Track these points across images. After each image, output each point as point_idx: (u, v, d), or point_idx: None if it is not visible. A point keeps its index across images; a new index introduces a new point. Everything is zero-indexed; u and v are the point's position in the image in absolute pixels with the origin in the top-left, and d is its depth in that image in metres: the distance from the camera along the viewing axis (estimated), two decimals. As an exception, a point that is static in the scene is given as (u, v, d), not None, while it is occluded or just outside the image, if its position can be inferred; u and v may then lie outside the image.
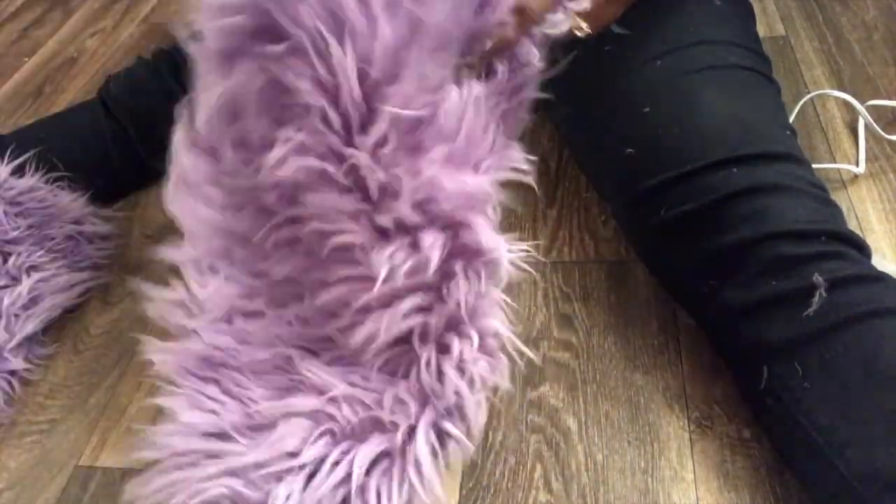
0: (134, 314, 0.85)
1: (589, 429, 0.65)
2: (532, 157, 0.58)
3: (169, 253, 0.61)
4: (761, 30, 1.01)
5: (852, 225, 0.72)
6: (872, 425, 0.49)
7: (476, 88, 0.51)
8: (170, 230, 0.94)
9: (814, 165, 0.64)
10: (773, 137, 0.62)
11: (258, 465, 0.52)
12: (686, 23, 0.69)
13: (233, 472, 0.52)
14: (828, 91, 0.89)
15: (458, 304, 0.52)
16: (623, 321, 0.73)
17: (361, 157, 0.48)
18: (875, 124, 0.83)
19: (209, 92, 0.51)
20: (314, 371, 0.56)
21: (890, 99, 0.87)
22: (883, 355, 0.50)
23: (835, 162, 0.83)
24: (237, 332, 0.58)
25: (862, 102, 0.84)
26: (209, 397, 0.57)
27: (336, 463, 0.52)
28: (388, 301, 0.52)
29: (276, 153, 0.49)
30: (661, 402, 0.66)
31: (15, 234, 0.84)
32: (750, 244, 0.57)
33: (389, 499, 0.51)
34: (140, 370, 0.78)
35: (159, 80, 0.93)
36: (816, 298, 0.53)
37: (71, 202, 0.89)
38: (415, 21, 0.46)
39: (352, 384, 0.55)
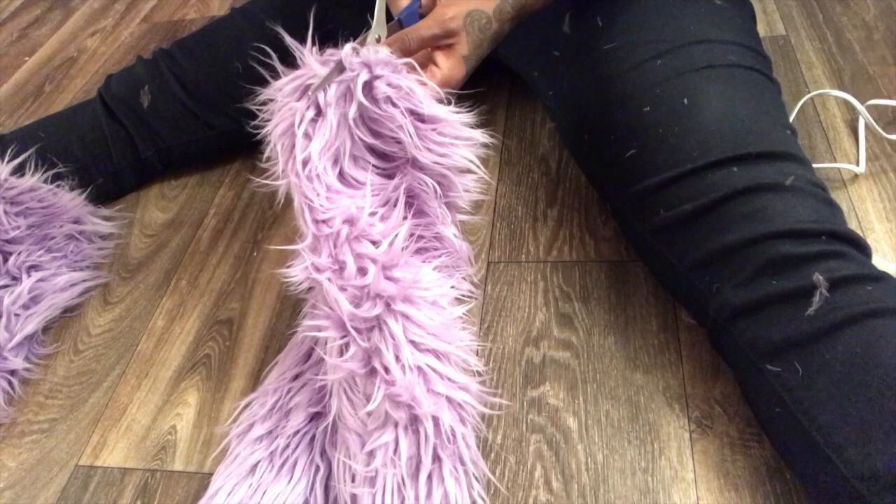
0: (134, 314, 0.85)
1: (589, 428, 0.65)
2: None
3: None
4: (761, 29, 1.02)
5: (853, 224, 0.72)
6: (872, 425, 0.49)
7: None
8: (170, 230, 0.94)
9: (814, 165, 0.64)
10: (774, 137, 0.62)
11: None
12: (686, 22, 0.69)
13: None
14: (828, 90, 0.89)
15: None
16: (623, 321, 0.73)
17: None
18: (875, 124, 0.82)
19: None
20: None
21: (890, 98, 0.87)
22: (883, 355, 0.50)
23: (835, 161, 0.83)
24: None
25: (862, 102, 0.84)
26: None
27: None
28: None
29: None
30: (662, 402, 0.66)
31: (15, 233, 0.84)
32: (750, 243, 0.57)
33: None
34: (140, 369, 0.79)
35: (159, 79, 0.93)
36: (817, 298, 0.53)
37: (71, 202, 0.90)
38: None
39: None
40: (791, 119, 0.77)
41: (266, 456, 0.64)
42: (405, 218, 0.61)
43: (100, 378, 0.79)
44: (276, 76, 0.62)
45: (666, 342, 0.70)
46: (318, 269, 0.57)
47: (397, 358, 0.55)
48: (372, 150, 0.63)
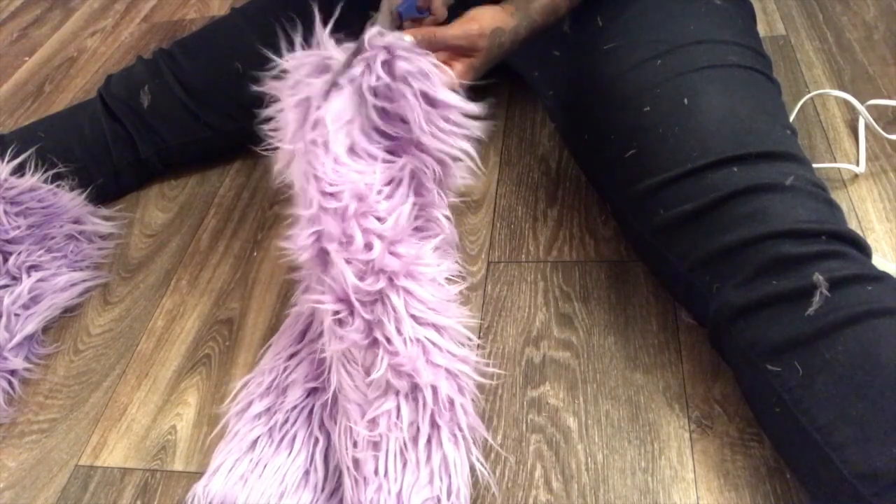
0: (134, 314, 0.85)
1: (589, 428, 0.65)
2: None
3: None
4: (762, 29, 1.02)
5: (853, 224, 0.72)
6: (872, 425, 0.49)
7: None
8: (170, 230, 0.94)
9: (814, 165, 0.64)
10: (774, 137, 0.62)
11: None
12: (686, 22, 0.69)
13: None
14: (828, 90, 0.89)
15: None
16: (623, 321, 0.73)
17: None
18: (875, 124, 0.82)
19: None
20: None
21: (890, 98, 0.87)
22: (883, 355, 0.50)
23: (835, 161, 0.83)
24: None
25: (862, 102, 0.84)
26: None
27: None
28: None
29: None
30: (662, 402, 0.66)
31: (15, 233, 0.84)
32: (750, 243, 0.57)
33: None
34: (140, 369, 0.79)
35: (160, 79, 0.93)
36: (817, 298, 0.53)
37: (71, 201, 0.90)
38: None
39: None
40: (791, 119, 0.77)
41: (265, 431, 0.66)
42: (407, 197, 0.63)
43: (100, 378, 0.79)
44: (277, 77, 0.63)
45: (666, 342, 0.70)
46: (328, 239, 0.58)
47: (399, 330, 0.57)
48: (377, 128, 0.64)
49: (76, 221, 0.90)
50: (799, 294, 0.53)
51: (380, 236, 0.58)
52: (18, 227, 0.84)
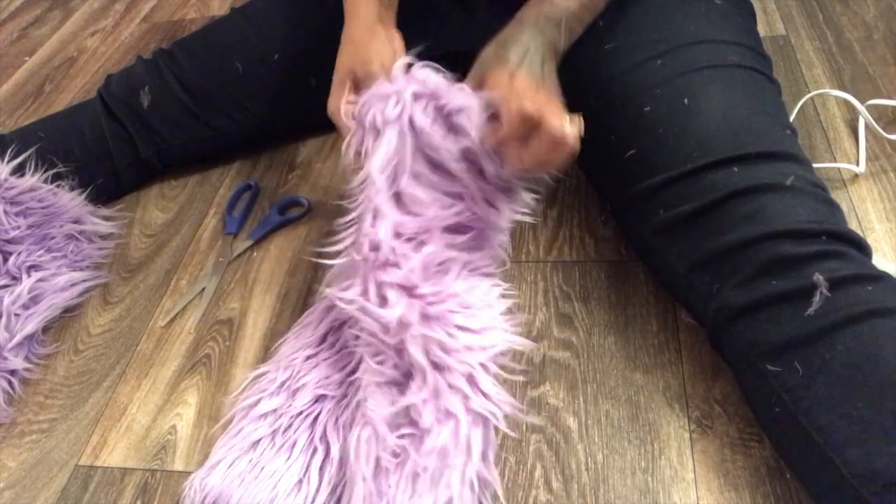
0: (134, 314, 0.85)
1: (589, 428, 0.65)
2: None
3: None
4: (762, 29, 1.02)
5: (853, 224, 0.72)
6: (872, 425, 0.49)
7: None
8: (170, 230, 0.94)
9: (814, 165, 0.64)
10: (774, 137, 0.62)
11: None
12: (687, 22, 0.69)
13: None
14: (828, 90, 0.89)
15: None
16: (623, 320, 0.73)
17: None
18: (875, 123, 0.82)
19: None
20: None
21: (890, 98, 0.87)
22: (883, 355, 0.50)
23: (835, 161, 0.83)
24: None
25: (862, 102, 0.84)
26: None
27: None
28: None
29: None
30: (662, 402, 0.66)
31: (15, 233, 0.84)
32: (750, 243, 0.57)
33: None
34: (140, 369, 0.79)
35: (159, 79, 0.93)
36: (817, 298, 0.53)
37: (71, 201, 0.90)
38: None
39: None
40: (791, 119, 0.77)
41: (269, 433, 0.66)
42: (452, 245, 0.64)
43: (100, 378, 0.79)
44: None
45: (666, 342, 0.70)
46: (347, 302, 0.61)
47: (424, 379, 0.58)
48: (436, 168, 0.64)
49: (76, 221, 0.90)
50: (799, 294, 0.53)
51: (396, 287, 0.60)
52: (18, 227, 0.84)
